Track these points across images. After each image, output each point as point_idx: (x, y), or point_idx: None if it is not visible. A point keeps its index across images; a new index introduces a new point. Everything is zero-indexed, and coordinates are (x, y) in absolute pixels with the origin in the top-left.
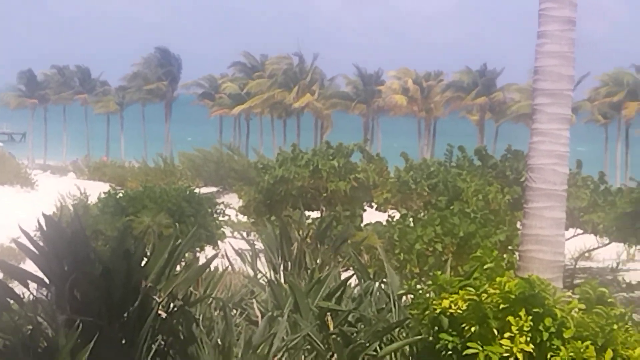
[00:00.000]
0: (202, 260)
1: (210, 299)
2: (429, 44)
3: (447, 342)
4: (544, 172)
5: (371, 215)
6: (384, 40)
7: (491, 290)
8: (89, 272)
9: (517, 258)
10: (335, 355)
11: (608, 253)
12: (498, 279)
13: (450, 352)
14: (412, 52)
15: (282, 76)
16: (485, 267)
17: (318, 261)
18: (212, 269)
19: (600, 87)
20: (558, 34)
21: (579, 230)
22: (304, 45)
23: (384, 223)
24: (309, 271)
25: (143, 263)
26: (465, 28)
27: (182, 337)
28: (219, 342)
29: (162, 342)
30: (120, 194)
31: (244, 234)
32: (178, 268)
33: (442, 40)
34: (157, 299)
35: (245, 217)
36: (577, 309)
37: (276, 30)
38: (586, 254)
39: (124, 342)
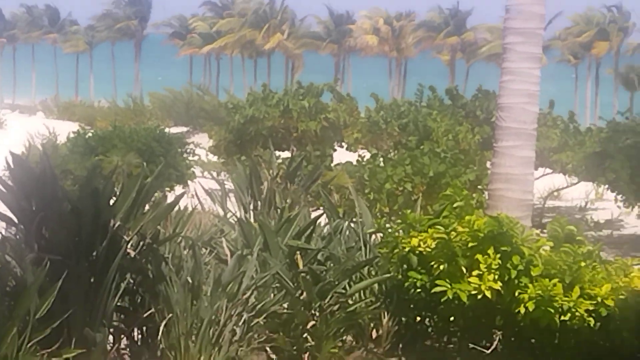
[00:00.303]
0: (171, 200)
1: (180, 238)
2: None
3: (415, 280)
4: (514, 111)
5: (341, 155)
6: None
7: (460, 229)
8: (57, 211)
9: (487, 197)
10: (305, 293)
11: (577, 192)
12: (467, 217)
13: (418, 290)
14: None
15: (252, 15)
16: (454, 205)
17: (288, 201)
18: (182, 208)
19: (571, 27)
20: None
21: (548, 170)
22: None
23: (354, 163)
24: (278, 210)
25: (112, 202)
26: None
27: (151, 276)
28: (189, 280)
29: (131, 281)
30: (90, 134)
31: (214, 174)
32: (147, 207)
33: None
34: (125, 237)
35: (216, 157)
36: (545, 247)
37: None
38: (555, 193)
39: (92, 280)
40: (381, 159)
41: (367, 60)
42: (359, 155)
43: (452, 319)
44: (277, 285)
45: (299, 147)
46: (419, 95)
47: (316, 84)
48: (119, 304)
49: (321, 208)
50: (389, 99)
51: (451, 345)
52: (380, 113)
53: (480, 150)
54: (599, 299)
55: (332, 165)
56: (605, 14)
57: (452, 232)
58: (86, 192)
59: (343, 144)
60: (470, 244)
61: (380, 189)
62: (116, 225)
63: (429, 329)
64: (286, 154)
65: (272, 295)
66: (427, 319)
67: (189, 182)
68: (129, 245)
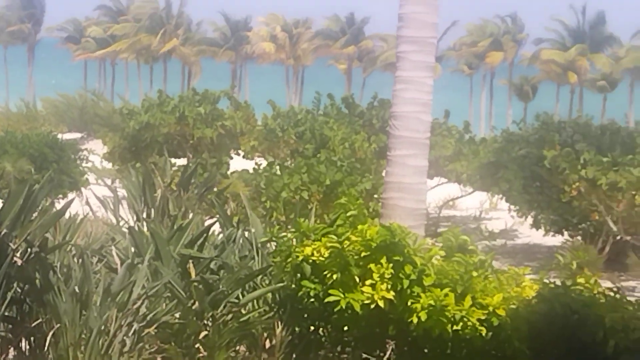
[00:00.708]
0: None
1: (69, 246)
2: None
3: (309, 289)
4: (407, 120)
5: (238, 163)
6: None
7: (353, 238)
8: None
9: (381, 206)
10: (197, 303)
11: (471, 202)
12: (360, 226)
13: (312, 300)
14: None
15: (147, 20)
16: (348, 214)
17: (182, 209)
18: (74, 216)
19: (465, 36)
20: None
21: (443, 179)
22: None
23: (251, 171)
24: (172, 218)
25: None
26: None
27: (38, 285)
28: (77, 289)
29: (18, 290)
30: None
31: (108, 181)
32: (35, 214)
33: None
34: (12, 245)
35: (110, 163)
36: (438, 257)
37: None
38: (450, 203)
39: None
40: (278, 167)
41: (265, 67)
42: (256, 163)
43: (345, 328)
44: (169, 294)
45: (195, 154)
46: (316, 104)
47: (212, 91)
48: (5, 313)
49: (216, 216)
50: (286, 107)
51: (345, 355)
52: (277, 121)
53: (376, 159)
54: (491, 309)
55: (229, 173)
56: (499, 25)
57: (345, 242)
58: None
59: (240, 151)
60: (363, 254)
61: (276, 197)
62: (2, 233)
63: (323, 339)
64: (182, 161)
65: (163, 304)
66: (321, 329)
67: (83, 189)
68: (16, 254)
